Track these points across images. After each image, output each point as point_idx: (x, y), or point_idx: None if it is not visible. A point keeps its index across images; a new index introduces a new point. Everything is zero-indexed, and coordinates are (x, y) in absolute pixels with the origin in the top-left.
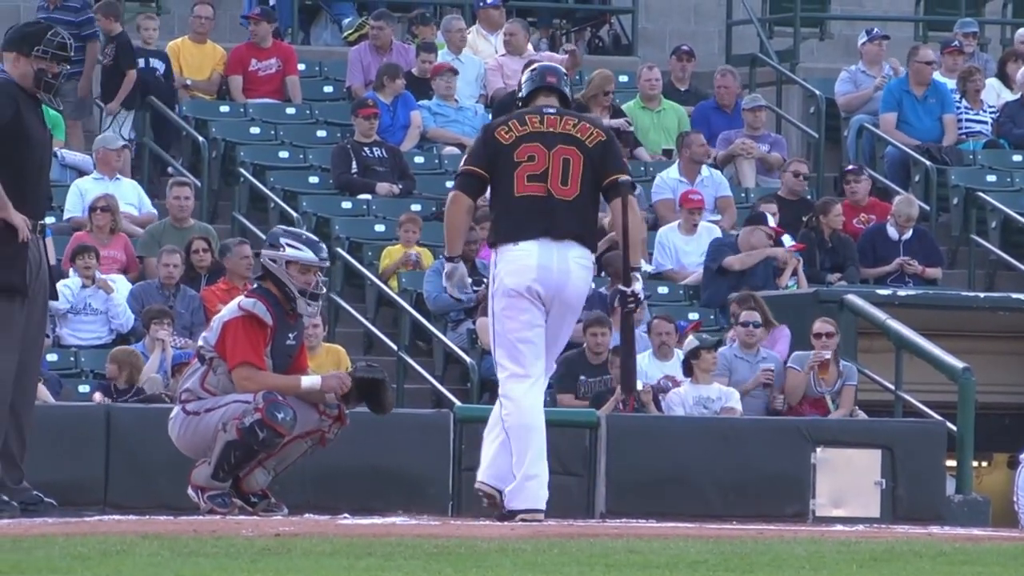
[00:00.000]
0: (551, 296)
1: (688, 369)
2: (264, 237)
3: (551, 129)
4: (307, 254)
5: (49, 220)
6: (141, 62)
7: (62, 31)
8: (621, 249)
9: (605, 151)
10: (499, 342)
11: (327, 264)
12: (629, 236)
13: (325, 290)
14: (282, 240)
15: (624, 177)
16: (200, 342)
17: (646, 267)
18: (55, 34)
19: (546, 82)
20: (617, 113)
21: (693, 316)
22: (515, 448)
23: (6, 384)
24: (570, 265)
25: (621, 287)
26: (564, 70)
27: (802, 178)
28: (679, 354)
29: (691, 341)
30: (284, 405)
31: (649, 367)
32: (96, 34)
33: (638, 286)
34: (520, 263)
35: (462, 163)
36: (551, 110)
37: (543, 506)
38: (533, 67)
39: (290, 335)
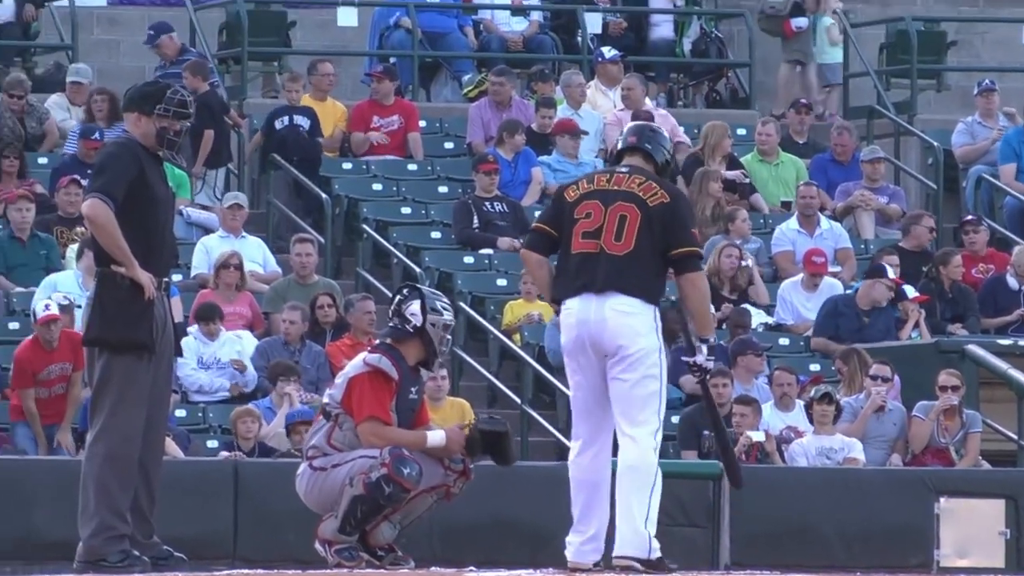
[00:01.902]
0: (594, 349)
1: (810, 419)
2: (388, 292)
3: (615, 187)
4: (452, 315)
5: (176, 278)
6: (285, 120)
7: (181, 89)
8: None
9: (668, 215)
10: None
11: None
12: (692, 311)
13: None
14: (438, 303)
15: (685, 250)
16: (325, 398)
17: (767, 319)
18: (175, 92)
19: (627, 143)
20: (734, 164)
21: (814, 368)
22: (573, 503)
23: (134, 440)
24: (606, 313)
25: (684, 357)
26: (656, 128)
27: (932, 231)
28: (801, 405)
29: (813, 392)
30: (410, 460)
31: (771, 418)
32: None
33: (700, 357)
34: (565, 322)
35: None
36: (624, 169)
37: (583, 561)
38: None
39: (412, 389)
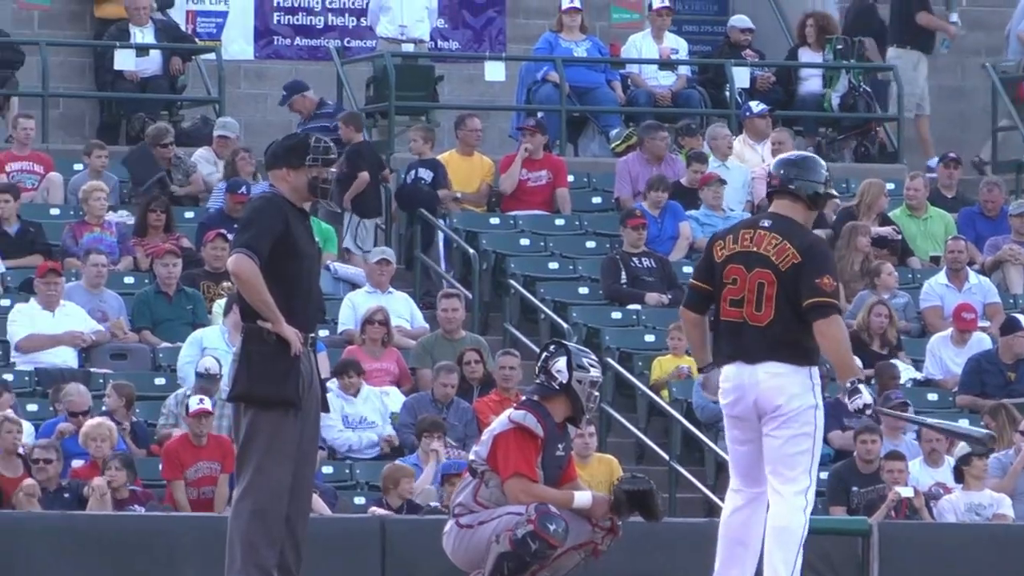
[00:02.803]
0: (749, 412)
1: (959, 476)
2: (535, 349)
3: (755, 248)
4: (600, 372)
5: (322, 333)
6: (412, 174)
7: (322, 137)
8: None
9: (797, 274)
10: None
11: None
12: (828, 358)
13: (598, 403)
14: (584, 360)
15: (811, 302)
16: (471, 455)
17: (915, 374)
18: (318, 140)
19: (771, 185)
20: (886, 221)
21: (963, 422)
22: (718, 557)
23: (281, 496)
24: (759, 376)
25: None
26: (800, 160)
27: None
28: (949, 461)
29: (962, 448)
30: (556, 516)
31: (920, 474)
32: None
33: (858, 401)
34: (723, 387)
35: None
36: (766, 223)
37: None
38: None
39: (559, 446)
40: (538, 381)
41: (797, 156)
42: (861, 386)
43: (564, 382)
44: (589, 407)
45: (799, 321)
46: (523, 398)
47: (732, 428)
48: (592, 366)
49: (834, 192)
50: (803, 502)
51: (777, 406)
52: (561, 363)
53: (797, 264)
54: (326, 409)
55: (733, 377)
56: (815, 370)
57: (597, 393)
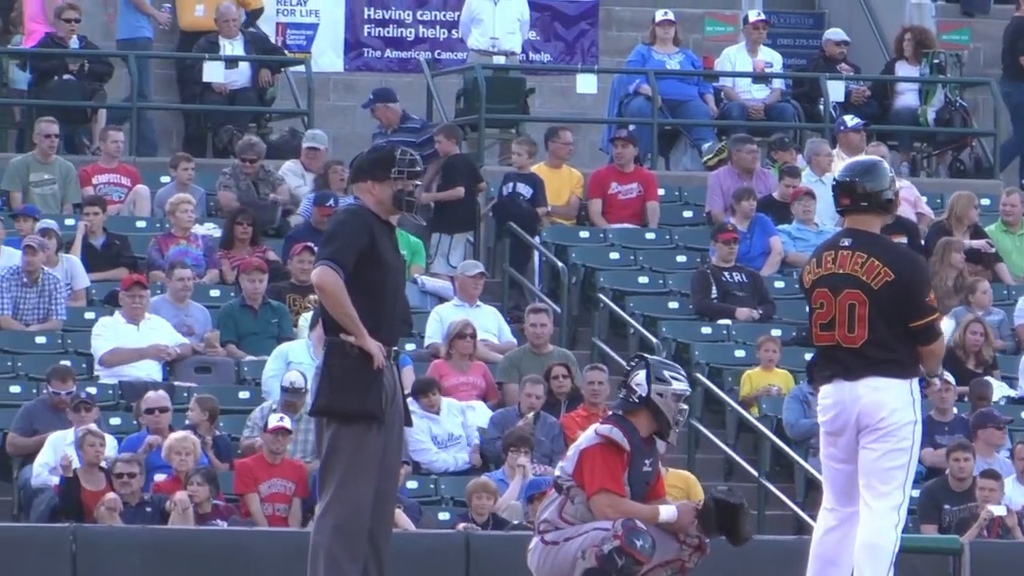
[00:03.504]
0: (851, 429)
1: None
2: (624, 363)
3: (840, 270)
4: (686, 385)
5: (409, 347)
6: (509, 187)
7: (408, 149)
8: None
9: (897, 291)
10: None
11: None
12: (926, 367)
13: (686, 417)
14: (666, 372)
15: (921, 324)
16: (557, 471)
17: (1009, 391)
18: (404, 152)
19: (840, 205)
20: (978, 234)
21: None
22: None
23: (364, 510)
24: (859, 392)
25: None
26: (860, 170)
27: None
28: None
29: None
30: (643, 532)
31: (1013, 492)
32: (436, 154)
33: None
34: (822, 403)
35: None
36: (846, 243)
37: None
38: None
39: (646, 462)
40: (621, 396)
41: (861, 165)
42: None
43: (644, 395)
44: (677, 420)
45: (895, 338)
46: (609, 413)
47: (829, 446)
48: (675, 379)
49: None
50: (896, 518)
51: (880, 419)
52: (640, 376)
53: (891, 281)
54: (409, 423)
55: (833, 394)
56: (915, 383)
57: (685, 407)
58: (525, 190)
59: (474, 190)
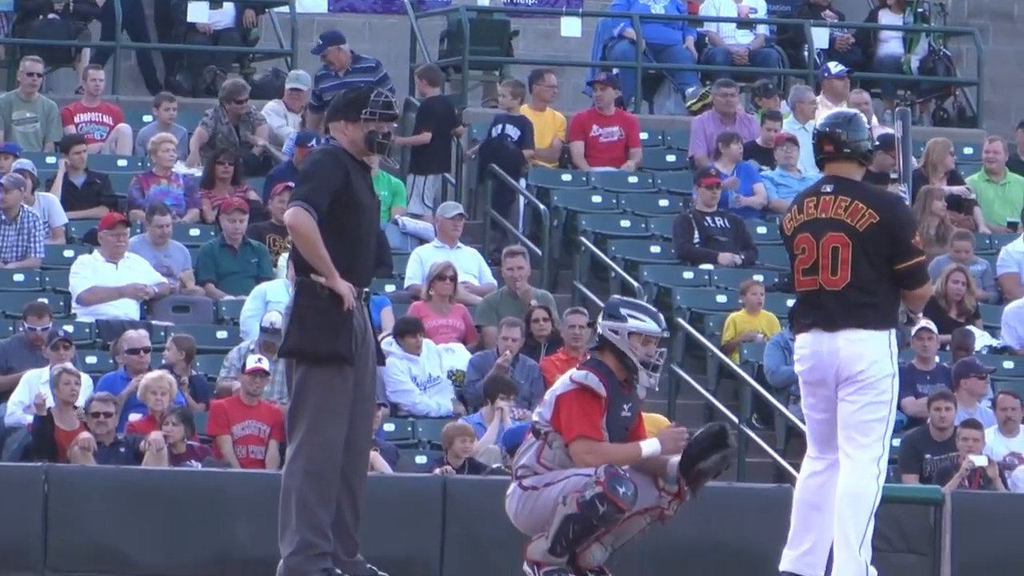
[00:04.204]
0: (829, 381)
1: None
2: (603, 306)
3: (823, 214)
4: (650, 325)
5: (389, 288)
6: (498, 129)
7: (384, 91)
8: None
9: (882, 234)
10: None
11: (667, 334)
12: (914, 309)
13: (663, 361)
14: (623, 311)
15: (908, 265)
16: (535, 416)
17: (992, 341)
18: (379, 95)
19: (822, 153)
20: (955, 181)
21: None
22: (792, 521)
23: (335, 453)
24: (838, 344)
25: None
26: (843, 119)
27: None
28: None
29: None
30: (626, 479)
31: (994, 443)
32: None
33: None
34: (799, 354)
35: None
36: (828, 189)
37: (796, 571)
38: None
39: (625, 407)
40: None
41: (843, 115)
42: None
43: (600, 333)
44: (649, 363)
45: (878, 282)
46: (587, 358)
47: (809, 396)
48: (633, 316)
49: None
50: (876, 470)
51: (859, 371)
52: (600, 317)
53: (876, 223)
54: (382, 362)
55: (810, 344)
56: (894, 335)
57: (657, 349)
58: (513, 132)
59: (453, 133)
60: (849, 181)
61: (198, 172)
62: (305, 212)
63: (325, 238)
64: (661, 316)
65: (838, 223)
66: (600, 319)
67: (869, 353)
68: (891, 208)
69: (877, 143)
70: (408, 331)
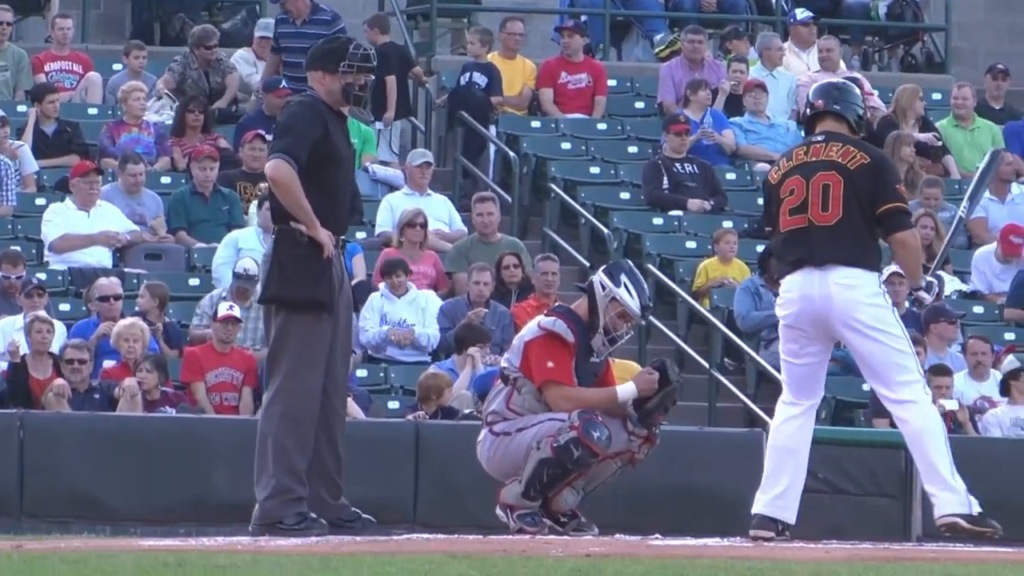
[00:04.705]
0: (820, 326)
1: (1005, 389)
2: (574, 253)
3: (814, 158)
4: (633, 304)
5: (359, 235)
6: (466, 77)
7: (363, 43)
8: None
9: (871, 174)
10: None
11: (643, 321)
12: (902, 268)
13: (623, 341)
14: (622, 277)
15: (891, 206)
16: (503, 362)
17: (961, 286)
18: (357, 47)
19: (815, 107)
20: (926, 127)
21: (1009, 337)
22: (766, 465)
23: (313, 399)
24: (831, 289)
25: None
26: (841, 84)
27: None
28: (995, 375)
29: (1011, 361)
30: (600, 424)
31: (965, 387)
32: None
33: (936, 288)
34: (785, 297)
35: None
36: (819, 138)
37: (768, 513)
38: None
39: (593, 354)
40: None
41: (836, 81)
42: (932, 277)
43: (590, 281)
44: (613, 330)
45: (866, 224)
46: (555, 305)
47: (790, 342)
48: (625, 285)
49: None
50: (926, 398)
51: (860, 318)
52: (600, 271)
53: (868, 165)
54: (356, 311)
55: (799, 286)
56: (880, 276)
57: (626, 324)
58: (481, 79)
59: (409, 76)
60: (840, 135)
61: (169, 120)
62: (286, 164)
63: (305, 189)
64: (650, 306)
65: (830, 163)
66: (600, 270)
67: (863, 295)
68: (880, 154)
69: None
70: (392, 271)
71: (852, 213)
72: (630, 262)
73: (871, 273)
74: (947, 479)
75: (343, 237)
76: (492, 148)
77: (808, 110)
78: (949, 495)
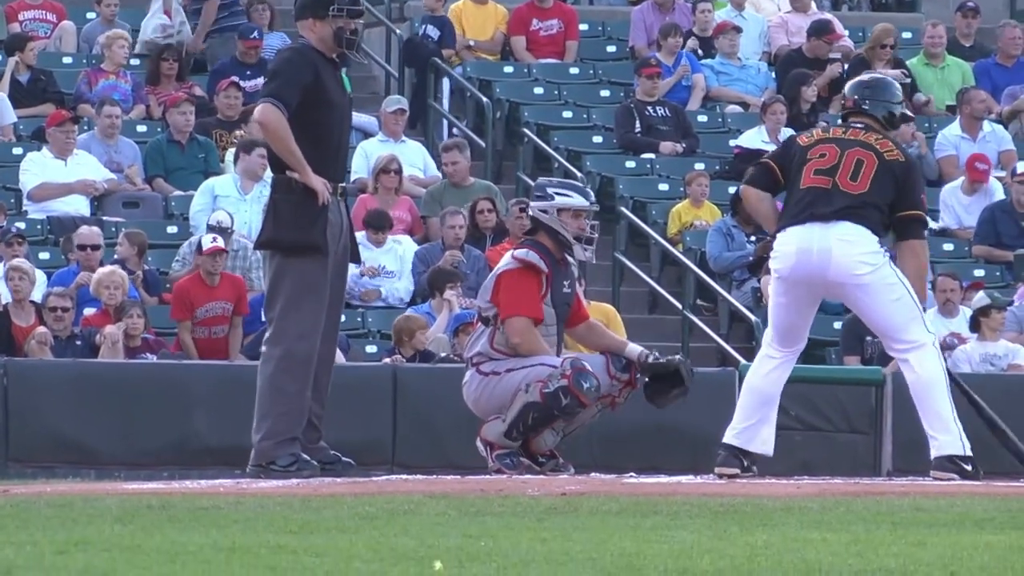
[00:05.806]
0: (816, 281)
1: (975, 326)
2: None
3: (851, 137)
4: (577, 199)
5: None
6: (421, 30)
7: None
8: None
9: (903, 173)
10: (769, 311)
11: (596, 207)
12: (908, 278)
13: (598, 234)
14: (549, 190)
15: (912, 213)
16: (479, 302)
17: (930, 224)
18: None
19: (844, 108)
20: (898, 65)
21: (978, 273)
22: (739, 402)
23: (311, 340)
24: (831, 243)
25: None
26: (872, 81)
27: None
28: (964, 311)
29: (980, 298)
30: (590, 374)
31: (934, 324)
32: None
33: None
34: (781, 249)
35: None
36: (859, 124)
37: (743, 446)
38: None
39: (565, 283)
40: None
41: (869, 78)
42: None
43: (533, 216)
44: (583, 237)
45: (885, 207)
46: (522, 239)
47: (782, 294)
48: (560, 194)
49: (909, 114)
50: (934, 351)
51: (860, 274)
52: (532, 199)
53: (902, 163)
54: (356, 260)
55: (797, 240)
56: (880, 240)
57: (590, 222)
58: (433, 32)
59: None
60: (877, 129)
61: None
62: (274, 108)
63: (297, 135)
64: (589, 190)
65: (867, 145)
66: (531, 202)
67: (859, 252)
68: (914, 160)
69: (905, 113)
70: (378, 225)
71: (876, 192)
72: (545, 177)
73: (873, 236)
74: (949, 423)
75: (342, 184)
76: (445, 98)
77: (841, 107)
78: (946, 436)
